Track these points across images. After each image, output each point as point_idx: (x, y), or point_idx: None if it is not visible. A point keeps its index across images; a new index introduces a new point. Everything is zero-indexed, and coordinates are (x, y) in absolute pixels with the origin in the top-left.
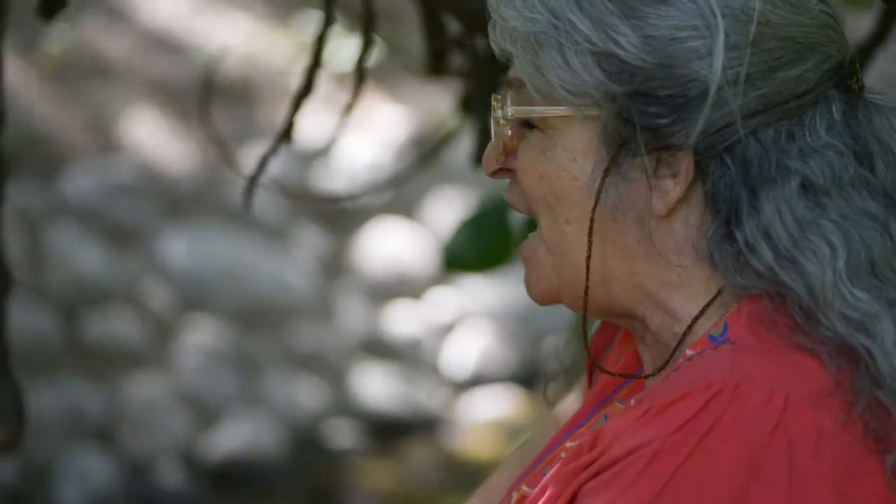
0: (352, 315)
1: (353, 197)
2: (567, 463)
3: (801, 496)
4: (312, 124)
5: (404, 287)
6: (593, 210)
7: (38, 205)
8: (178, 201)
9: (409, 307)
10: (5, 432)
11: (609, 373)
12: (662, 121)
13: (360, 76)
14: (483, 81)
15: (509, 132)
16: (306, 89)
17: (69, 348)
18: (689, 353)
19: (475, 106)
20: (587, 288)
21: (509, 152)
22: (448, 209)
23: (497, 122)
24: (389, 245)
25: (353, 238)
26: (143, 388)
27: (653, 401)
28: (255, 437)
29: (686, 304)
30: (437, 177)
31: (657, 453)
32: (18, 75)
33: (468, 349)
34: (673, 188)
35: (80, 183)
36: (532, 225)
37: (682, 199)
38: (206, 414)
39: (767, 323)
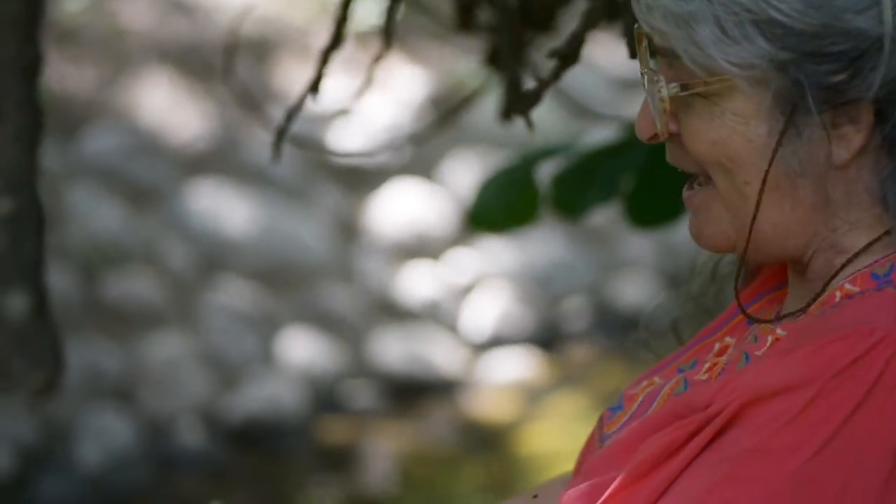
0: (370, 276)
1: (373, 153)
2: (682, 407)
3: None
4: (332, 85)
5: (423, 248)
6: (767, 171)
7: (57, 164)
8: (196, 161)
9: (427, 268)
10: (43, 377)
11: (758, 319)
12: (837, 77)
13: (388, 32)
14: (511, 35)
15: (668, 104)
16: (335, 42)
17: (89, 308)
18: (847, 287)
19: (503, 60)
20: (748, 242)
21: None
22: (467, 171)
23: (655, 98)
24: (408, 206)
25: (372, 199)
26: (163, 348)
27: (808, 337)
28: (275, 398)
29: (854, 243)
30: (456, 138)
31: (816, 397)
32: None
33: (486, 311)
34: (855, 136)
35: (99, 143)
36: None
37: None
38: (225, 374)
39: None
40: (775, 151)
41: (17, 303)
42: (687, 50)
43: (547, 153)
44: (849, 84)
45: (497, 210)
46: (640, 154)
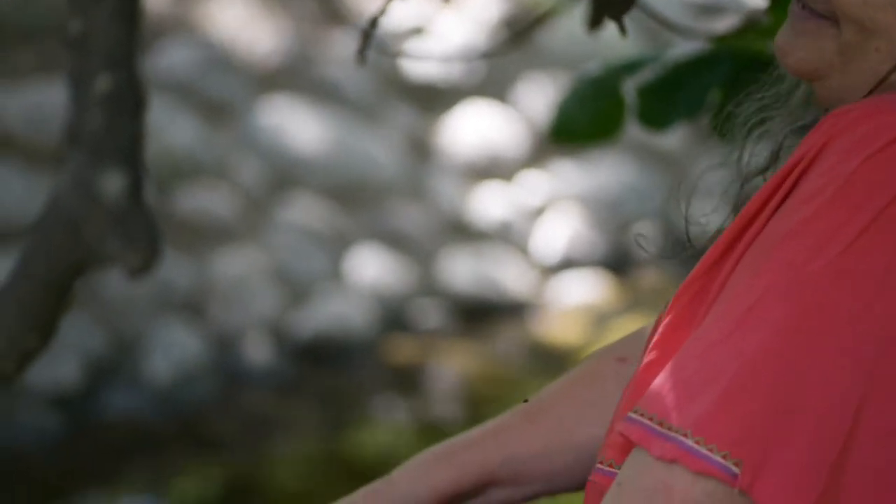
0: (442, 196)
1: (451, 59)
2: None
3: None
4: (404, 5)
5: (495, 169)
6: None
7: None
8: (270, 77)
9: (499, 189)
10: (139, 257)
11: None
12: None
13: None
14: None
15: None
16: None
17: (160, 221)
18: None
19: None
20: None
21: None
22: (540, 92)
23: None
24: (481, 127)
25: (445, 119)
26: (234, 263)
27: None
28: (343, 315)
29: None
30: (529, 60)
31: (857, 171)
32: None
33: (557, 233)
34: None
35: (172, 57)
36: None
37: None
38: (294, 290)
39: None
40: None
41: (114, 183)
42: None
43: (633, 65)
44: None
45: (581, 120)
46: (727, 68)
